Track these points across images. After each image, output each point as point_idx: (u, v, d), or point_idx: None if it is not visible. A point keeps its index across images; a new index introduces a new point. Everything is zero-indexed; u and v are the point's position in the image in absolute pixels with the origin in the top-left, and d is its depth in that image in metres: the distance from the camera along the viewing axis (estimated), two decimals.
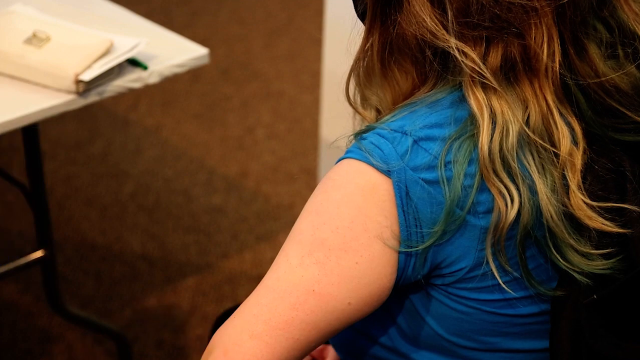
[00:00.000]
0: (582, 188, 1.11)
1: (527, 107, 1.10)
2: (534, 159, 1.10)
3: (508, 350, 1.21)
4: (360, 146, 1.12)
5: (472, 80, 1.10)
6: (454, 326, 1.19)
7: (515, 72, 1.10)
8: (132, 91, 1.91)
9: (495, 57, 1.09)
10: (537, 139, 1.09)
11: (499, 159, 1.08)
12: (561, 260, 1.12)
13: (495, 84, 1.09)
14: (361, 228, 1.10)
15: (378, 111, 1.22)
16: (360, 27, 1.19)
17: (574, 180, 1.11)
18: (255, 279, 2.58)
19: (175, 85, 3.36)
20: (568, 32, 1.10)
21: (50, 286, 2.16)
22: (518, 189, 1.09)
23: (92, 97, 1.82)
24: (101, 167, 2.98)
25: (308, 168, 3.01)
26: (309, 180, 2.96)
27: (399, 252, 1.11)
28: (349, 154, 1.13)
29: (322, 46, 2.56)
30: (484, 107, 1.09)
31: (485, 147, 1.08)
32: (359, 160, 1.11)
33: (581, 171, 1.11)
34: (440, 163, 1.09)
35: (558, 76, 1.10)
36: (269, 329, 1.10)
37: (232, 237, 2.73)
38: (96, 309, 2.45)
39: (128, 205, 2.83)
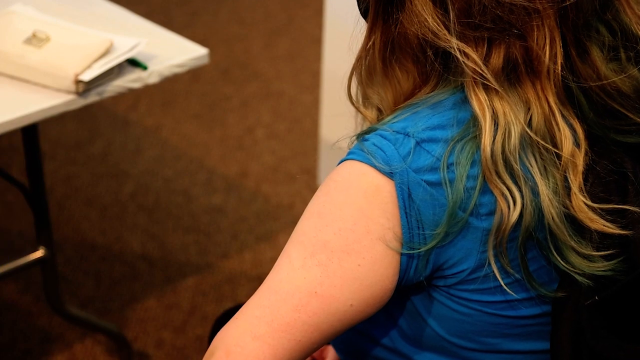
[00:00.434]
0: (584, 190, 1.11)
1: (529, 109, 1.10)
2: (536, 160, 1.10)
3: (509, 351, 1.21)
4: (362, 147, 1.11)
5: (474, 82, 1.09)
6: (455, 327, 1.18)
7: (517, 73, 1.10)
8: (132, 91, 1.90)
9: (497, 58, 1.09)
10: (540, 140, 1.09)
11: (501, 161, 1.08)
12: (562, 262, 1.12)
13: (496, 85, 1.09)
14: (364, 230, 1.10)
15: (379, 110, 1.22)
16: (362, 25, 1.19)
17: (575, 182, 1.11)
18: (255, 279, 2.58)
19: (175, 85, 3.36)
20: (570, 34, 1.10)
21: (50, 286, 2.16)
22: (520, 191, 1.09)
23: (92, 97, 1.82)
24: (101, 167, 2.98)
25: (308, 168, 3.01)
26: (309, 180, 2.96)
27: (401, 254, 1.11)
28: (351, 155, 1.12)
29: (322, 46, 2.56)
30: (486, 108, 1.09)
31: (488, 149, 1.08)
32: (362, 161, 1.11)
33: (583, 173, 1.11)
34: (443, 165, 1.08)
35: (560, 78, 1.10)
36: (272, 330, 1.10)
37: (232, 237, 2.73)
38: (96, 309, 2.45)
39: (128, 205, 2.83)
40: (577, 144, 1.12)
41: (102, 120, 3.20)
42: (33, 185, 2.06)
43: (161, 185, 2.92)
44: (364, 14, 1.18)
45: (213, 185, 2.93)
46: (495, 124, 1.09)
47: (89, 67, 1.79)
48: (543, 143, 1.09)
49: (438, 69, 1.13)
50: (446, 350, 1.21)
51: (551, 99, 1.10)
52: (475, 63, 1.09)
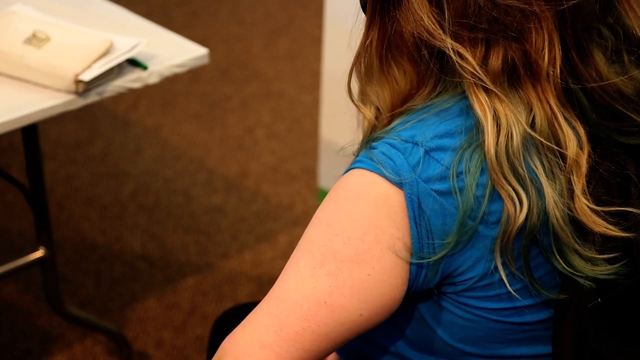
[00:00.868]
0: (587, 192, 1.11)
1: (531, 110, 1.09)
2: (541, 162, 1.09)
3: (512, 356, 1.20)
4: (370, 156, 1.11)
5: (475, 84, 1.09)
6: (460, 333, 1.18)
7: (517, 75, 1.09)
8: (132, 91, 1.90)
9: (496, 60, 1.09)
10: (544, 141, 1.09)
11: (506, 163, 1.07)
12: (564, 266, 1.11)
13: (492, 87, 1.08)
14: (373, 240, 1.09)
15: (377, 109, 1.21)
16: (362, 22, 1.19)
17: (578, 184, 1.10)
18: (255, 279, 2.57)
19: (175, 85, 3.35)
20: (571, 37, 1.09)
21: (50, 286, 2.16)
22: (527, 192, 1.08)
23: (92, 97, 1.81)
24: (101, 167, 2.98)
25: (308, 168, 3.00)
26: (309, 180, 2.95)
27: (411, 264, 1.11)
28: (359, 164, 1.12)
29: (322, 46, 2.56)
30: (487, 109, 1.08)
31: (492, 150, 1.07)
32: (371, 171, 1.10)
33: (585, 175, 1.11)
34: (452, 174, 1.08)
35: (559, 80, 1.10)
36: (280, 339, 1.09)
37: (232, 237, 2.73)
38: (96, 309, 2.45)
39: (128, 205, 2.83)
40: (580, 146, 1.11)
41: (102, 120, 3.19)
42: (33, 185, 2.06)
43: (161, 185, 2.92)
44: (364, 9, 1.18)
45: (213, 185, 2.93)
46: (497, 125, 1.08)
47: (89, 67, 1.79)
48: (548, 144, 1.09)
49: (434, 70, 1.12)
50: (450, 356, 1.20)
51: (552, 101, 1.10)
52: (471, 64, 1.08)
